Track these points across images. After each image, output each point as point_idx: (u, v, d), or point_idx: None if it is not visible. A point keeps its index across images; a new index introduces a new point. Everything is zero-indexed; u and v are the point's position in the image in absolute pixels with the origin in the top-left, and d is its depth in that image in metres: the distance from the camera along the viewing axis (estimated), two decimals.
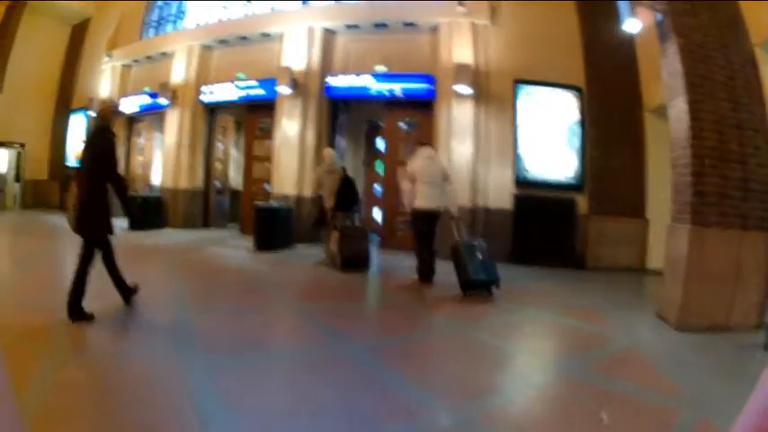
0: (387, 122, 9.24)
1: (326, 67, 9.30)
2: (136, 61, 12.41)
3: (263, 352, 3.39)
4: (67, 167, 14.21)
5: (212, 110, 10.73)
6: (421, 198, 5.53)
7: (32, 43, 14.00)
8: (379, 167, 10.35)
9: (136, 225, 10.04)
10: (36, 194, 14.55)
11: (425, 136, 8.85)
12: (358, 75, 9.01)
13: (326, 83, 9.20)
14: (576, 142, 8.53)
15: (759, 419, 0.54)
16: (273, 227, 8.24)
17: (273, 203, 8.71)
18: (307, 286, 5.91)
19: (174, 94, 10.75)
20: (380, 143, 10.08)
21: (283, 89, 9.00)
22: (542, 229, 8.25)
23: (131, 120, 12.36)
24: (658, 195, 8.03)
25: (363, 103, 9.66)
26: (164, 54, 11.50)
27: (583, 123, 8.49)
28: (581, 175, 8.46)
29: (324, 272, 6.66)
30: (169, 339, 3.49)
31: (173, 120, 10.70)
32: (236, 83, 10.02)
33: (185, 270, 6.37)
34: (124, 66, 12.61)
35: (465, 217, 8.18)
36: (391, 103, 9.08)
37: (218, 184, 11.15)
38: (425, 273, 5.72)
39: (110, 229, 3.79)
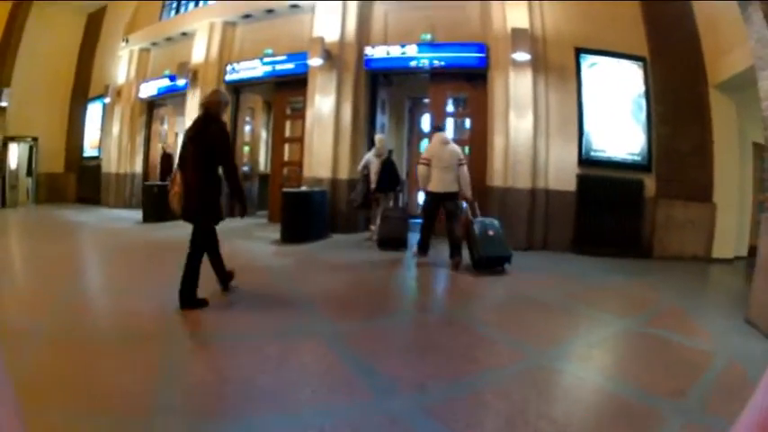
0: (433, 97, 8.06)
1: (364, 37, 8.17)
2: (154, 44, 11.47)
3: (272, 416, 2.14)
4: (84, 159, 13.40)
5: (237, 89, 9.67)
6: (435, 182, 5.59)
7: (45, 35, 13.16)
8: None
9: (151, 216, 9.12)
10: (51, 188, 13.65)
11: (477, 110, 7.77)
12: (401, 45, 7.89)
13: (365, 55, 8.08)
14: (642, 117, 7.40)
15: (762, 415, 0.51)
16: (304, 215, 7.11)
17: (304, 188, 7.61)
18: (337, 291, 4.49)
19: (194, 75, 9.75)
20: (425, 121, 8.96)
21: (315, 61, 7.90)
22: (608, 214, 7.13)
23: (152, 105, 11.41)
24: (725, 177, 7.19)
25: (406, 77, 8.55)
26: (184, 34, 10.52)
27: (648, 97, 7.38)
28: (647, 153, 7.33)
29: (359, 266, 5.56)
30: (142, 398, 2.28)
31: (193, 101, 9.65)
32: (263, 59, 8.97)
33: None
34: (142, 49, 11.69)
35: (524, 200, 7.15)
36: (438, 75, 7.92)
37: (245, 168, 10.06)
38: (423, 248, 5.90)
39: (217, 219, 3.79)
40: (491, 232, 5.38)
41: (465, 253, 5.61)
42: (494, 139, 7.36)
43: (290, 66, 8.64)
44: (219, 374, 2.54)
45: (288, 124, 9.22)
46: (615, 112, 7.48)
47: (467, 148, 8.04)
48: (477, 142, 7.71)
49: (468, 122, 7.71)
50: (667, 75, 7.44)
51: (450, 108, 8.29)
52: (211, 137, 3.57)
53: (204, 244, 3.76)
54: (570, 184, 7.31)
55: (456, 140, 8.46)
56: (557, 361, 2.97)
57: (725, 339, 3.51)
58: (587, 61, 7.63)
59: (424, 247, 5.96)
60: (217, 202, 3.72)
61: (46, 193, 13.51)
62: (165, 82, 10.64)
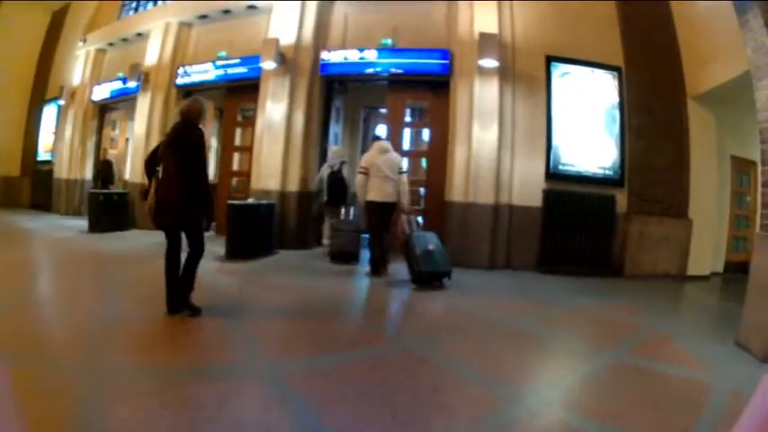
0: (391, 105, 7.39)
1: (321, 40, 7.50)
2: (111, 45, 10.73)
3: None
4: (38, 163, 12.60)
5: (188, 94, 8.96)
6: (373, 191, 5.40)
7: (8, 33, 12.46)
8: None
9: (96, 226, 8.47)
10: (6, 193, 12.84)
11: (438, 120, 7.16)
12: (360, 50, 7.24)
13: (321, 59, 7.43)
14: (616, 130, 6.98)
15: (759, 420, 0.53)
16: (250, 230, 6.42)
17: (251, 200, 6.93)
18: (281, 318, 3.86)
19: (145, 77, 9.05)
20: (381, 131, 8.40)
21: (268, 64, 7.22)
22: (577, 231, 6.71)
23: (104, 109, 10.66)
24: (702, 192, 6.88)
25: (363, 84, 7.94)
26: (139, 35, 9.81)
27: (622, 108, 6.96)
28: (620, 167, 6.91)
29: (306, 288, 4.95)
30: None
31: (143, 105, 8.94)
32: (216, 62, 8.30)
33: (119, 294, 4.30)
34: (98, 50, 10.94)
35: (486, 216, 6.58)
36: (397, 82, 7.28)
37: None
38: (375, 265, 5.58)
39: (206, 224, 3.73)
40: (431, 247, 5.16)
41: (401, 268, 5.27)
42: (455, 150, 6.74)
43: (242, 69, 7.95)
44: None
45: (238, 132, 8.54)
46: (587, 124, 7.04)
47: (424, 161, 7.46)
48: (436, 154, 7.09)
49: (426, 133, 7.11)
50: (643, 85, 7.08)
51: (408, 118, 7.64)
52: (194, 144, 3.50)
53: (203, 247, 3.66)
54: (536, 200, 6.81)
55: (413, 152, 7.93)
56: (537, 404, 2.44)
57: (719, 367, 3.18)
58: (558, 70, 7.12)
59: (375, 265, 5.61)
60: (205, 206, 3.62)
61: (1, 198, 12.70)
62: (118, 84, 9.92)
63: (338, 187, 6.65)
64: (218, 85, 8.38)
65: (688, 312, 5.32)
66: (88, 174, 10.75)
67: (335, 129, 7.95)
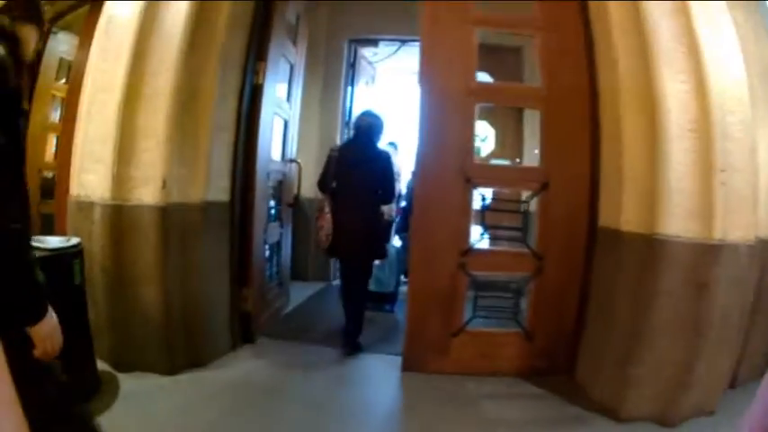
0: (428, 17, 2.57)
1: None
2: None
3: None
4: None
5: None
6: None
7: None
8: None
9: None
10: None
11: (564, 37, 2.49)
12: None
13: None
14: None
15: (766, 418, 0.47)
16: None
17: (58, 240, 2.17)
18: None
19: None
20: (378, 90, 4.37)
21: None
22: None
23: None
24: None
25: None
26: None
27: None
28: None
29: None
30: None
31: None
32: None
33: None
34: None
35: (743, 275, 1.96)
36: None
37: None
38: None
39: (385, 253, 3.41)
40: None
41: None
42: (661, 86, 1.95)
43: None
44: None
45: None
46: None
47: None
48: (565, 106, 2.35)
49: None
50: None
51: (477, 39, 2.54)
52: (383, 166, 3.03)
53: (366, 289, 3.23)
54: None
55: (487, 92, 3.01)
56: None
57: None
58: None
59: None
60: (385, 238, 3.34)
61: None
62: None
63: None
64: None
65: None
66: None
67: (284, 70, 3.28)
